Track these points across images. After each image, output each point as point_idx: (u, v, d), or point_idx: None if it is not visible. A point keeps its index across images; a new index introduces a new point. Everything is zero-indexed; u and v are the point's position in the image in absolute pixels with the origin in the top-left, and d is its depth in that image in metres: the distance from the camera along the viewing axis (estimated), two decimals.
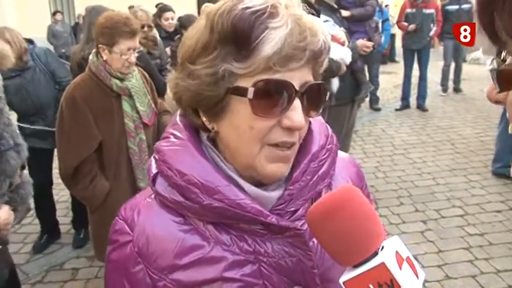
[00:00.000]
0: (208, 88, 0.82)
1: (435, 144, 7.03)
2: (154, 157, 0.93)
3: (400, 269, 0.72)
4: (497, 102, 0.77)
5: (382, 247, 0.75)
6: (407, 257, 0.75)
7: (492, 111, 7.88)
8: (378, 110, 9.31)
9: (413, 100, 9.32)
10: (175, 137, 0.91)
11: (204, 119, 0.88)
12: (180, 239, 0.88)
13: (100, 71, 2.62)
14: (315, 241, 0.88)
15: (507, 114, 0.60)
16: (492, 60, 0.58)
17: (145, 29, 4.54)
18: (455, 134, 7.46)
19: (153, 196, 0.94)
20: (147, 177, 2.85)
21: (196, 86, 0.84)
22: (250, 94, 0.79)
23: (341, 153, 1.06)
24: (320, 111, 0.89)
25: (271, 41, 0.77)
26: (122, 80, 2.67)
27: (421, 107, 9.15)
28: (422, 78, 9.06)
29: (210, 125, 0.88)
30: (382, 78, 9.92)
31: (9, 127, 1.77)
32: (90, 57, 2.69)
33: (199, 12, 5.69)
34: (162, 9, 5.59)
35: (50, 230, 4.45)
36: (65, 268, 4.07)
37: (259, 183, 0.89)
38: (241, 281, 0.86)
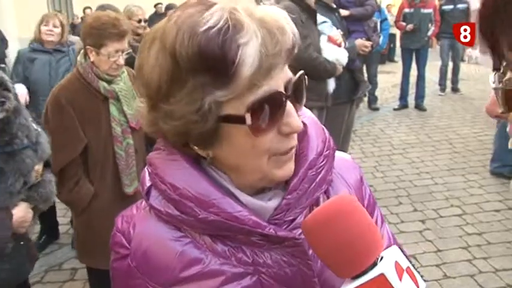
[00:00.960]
0: (197, 125, 0.76)
1: (433, 143, 7.04)
2: (147, 169, 0.90)
3: (400, 280, 0.70)
4: (497, 116, 0.76)
5: (381, 257, 0.73)
6: (408, 267, 0.73)
7: None
8: (377, 109, 9.31)
9: (411, 100, 9.32)
10: (167, 148, 0.88)
11: (196, 148, 0.83)
12: (178, 252, 0.86)
13: (87, 73, 2.53)
14: None
15: (507, 129, 0.59)
16: (494, 75, 0.55)
17: (143, 23, 4.53)
18: (454, 134, 7.47)
19: (147, 208, 0.91)
20: (134, 183, 2.86)
21: (182, 126, 0.78)
22: (248, 120, 0.74)
23: (342, 155, 1.04)
24: (303, 101, 0.85)
25: (248, 59, 0.71)
26: (109, 82, 2.58)
27: (419, 106, 9.16)
28: (421, 77, 9.08)
29: (205, 152, 0.83)
30: (380, 78, 9.91)
31: (25, 127, 1.73)
32: (78, 58, 2.61)
33: None
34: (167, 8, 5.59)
35: (49, 230, 4.44)
36: (64, 268, 4.07)
37: (255, 191, 0.87)
38: None
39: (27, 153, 1.76)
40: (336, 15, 4.84)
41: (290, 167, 0.85)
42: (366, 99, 9.20)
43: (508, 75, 0.55)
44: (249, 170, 0.82)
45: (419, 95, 9.20)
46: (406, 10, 9.03)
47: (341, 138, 4.86)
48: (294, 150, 0.85)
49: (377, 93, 9.58)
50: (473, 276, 3.71)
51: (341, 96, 4.43)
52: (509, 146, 0.61)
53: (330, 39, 4.02)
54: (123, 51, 2.54)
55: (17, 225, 1.84)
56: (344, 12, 5.21)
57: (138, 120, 2.70)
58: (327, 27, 4.18)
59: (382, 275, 0.70)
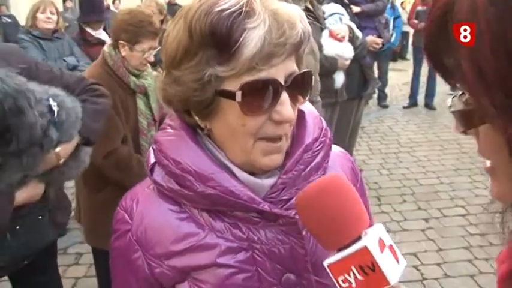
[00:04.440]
0: (196, 93, 0.84)
1: (441, 143, 7.02)
2: (152, 147, 0.96)
3: (382, 252, 0.75)
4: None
5: (366, 233, 0.77)
6: (390, 245, 0.78)
7: None
8: (386, 107, 9.30)
9: (421, 98, 9.30)
10: (172, 127, 0.94)
11: (196, 118, 0.90)
12: (176, 226, 0.91)
13: (118, 67, 2.57)
14: None
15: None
16: (452, 98, 0.58)
17: (162, 17, 4.59)
18: (462, 134, 7.41)
19: (151, 186, 0.97)
20: None
21: (184, 92, 0.85)
22: (238, 97, 0.81)
23: (335, 148, 1.08)
24: (308, 97, 0.90)
25: (251, 42, 0.78)
26: (138, 76, 2.64)
27: (429, 105, 9.13)
28: (431, 76, 9.02)
29: (203, 123, 0.90)
30: (391, 76, 9.89)
31: (27, 129, 1.64)
32: (106, 49, 2.63)
33: None
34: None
35: None
36: (69, 253, 4.14)
37: (252, 171, 0.91)
38: (234, 267, 0.89)
39: (29, 152, 1.71)
40: (348, 11, 4.84)
41: (277, 157, 0.89)
42: (375, 96, 9.18)
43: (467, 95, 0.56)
44: (237, 149, 0.88)
45: (430, 94, 9.17)
46: (419, 8, 9.00)
47: (348, 133, 4.88)
48: (283, 143, 0.89)
49: (387, 90, 9.57)
50: (473, 277, 3.72)
51: (350, 92, 4.43)
52: (484, 168, 0.62)
53: (331, 35, 4.00)
54: (154, 49, 2.61)
55: (25, 201, 1.86)
56: (356, 9, 5.20)
57: (160, 111, 2.76)
58: (334, 19, 4.16)
59: (364, 248, 0.74)
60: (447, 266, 3.88)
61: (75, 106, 1.91)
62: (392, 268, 0.76)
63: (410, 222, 4.62)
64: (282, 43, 0.80)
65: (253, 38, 0.78)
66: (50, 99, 1.80)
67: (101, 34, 4.77)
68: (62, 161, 1.89)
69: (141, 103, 2.68)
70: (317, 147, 0.95)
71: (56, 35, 4.32)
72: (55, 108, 1.80)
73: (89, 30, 4.68)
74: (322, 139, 0.96)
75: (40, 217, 1.99)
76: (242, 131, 0.85)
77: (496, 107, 0.47)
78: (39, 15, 4.23)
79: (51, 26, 4.28)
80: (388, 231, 3.96)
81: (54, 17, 4.32)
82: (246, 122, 0.84)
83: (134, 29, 2.53)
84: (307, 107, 0.99)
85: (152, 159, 0.95)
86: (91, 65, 2.81)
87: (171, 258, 0.91)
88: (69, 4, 13.65)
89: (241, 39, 0.78)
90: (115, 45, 2.60)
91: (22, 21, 6.03)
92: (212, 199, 0.87)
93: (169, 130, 0.94)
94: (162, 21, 4.51)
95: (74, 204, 3.05)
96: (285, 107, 0.83)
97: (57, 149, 1.84)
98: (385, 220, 4.63)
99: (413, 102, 9.28)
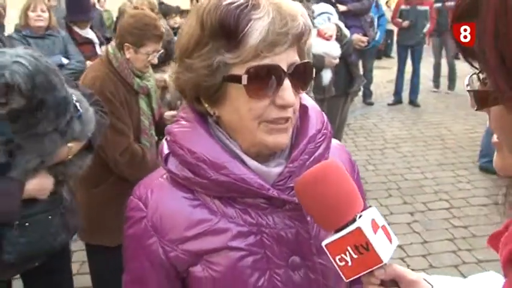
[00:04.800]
0: (206, 79, 0.93)
1: (425, 139, 7.18)
2: (165, 139, 1.03)
3: (375, 233, 0.84)
4: None
5: (360, 215, 0.86)
6: (383, 226, 0.88)
7: None
8: (371, 104, 9.43)
9: (405, 95, 9.45)
10: (185, 119, 1.02)
11: (206, 105, 0.99)
12: (190, 213, 0.98)
13: (123, 68, 2.63)
14: None
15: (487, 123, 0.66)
16: (469, 77, 0.64)
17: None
18: (445, 130, 7.61)
19: (164, 176, 1.04)
20: None
21: (195, 78, 0.94)
22: (244, 80, 0.90)
23: (334, 141, 1.16)
24: (308, 88, 1.00)
25: (256, 31, 0.87)
26: (140, 78, 2.71)
27: (413, 102, 9.28)
28: (415, 74, 9.19)
29: (212, 110, 0.99)
30: (376, 73, 10.03)
31: (51, 116, 1.76)
32: (111, 50, 2.67)
33: None
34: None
35: None
36: None
37: (261, 160, 1.00)
38: (245, 250, 0.97)
39: (52, 137, 1.81)
40: (335, 9, 4.94)
41: (281, 137, 0.97)
42: (360, 93, 9.30)
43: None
44: (244, 132, 0.96)
45: (414, 91, 9.32)
46: (403, 7, 9.14)
47: (334, 130, 4.97)
48: (286, 125, 0.97)
49: (372, 88, 9.70)
50: (457, 267, 3.86)
51: (337, 89, 4.53)
52: (492, 141, 0.67)
53: (319, 34, 4.10)
54: (158, 51, 2.70)
55: (35, 193, 1.92)
56: (342, 8, 5.30)
57: (158, 111, 2.83)
58: (322, 18, 4.26)
59: (358, 229, 0.84)
60: (432, 257, 4.02)
61: (91, 112, 2.03)
62: (384, 247, 0.86)
63: (396, 216, 4.75)
64: (285, 33, 0.89)
65: (258, 28, 0.87)
66: (74, 97, 1.91)
67: (88, 33, 4.80)
68: (69, 157, 1.97)
69: (143, 103, 2.75)
70: (320, 138, 1.03)
71: (49, 32, 4.33)
72: (79, 106, 1.92)
73: (76, 29, 4.71)
74: (325, 131, 1.05)
75: (50, 217, 2.03)
76: (248, 115, 0.93)
77: None
78: (30, 14, 4.24)
79: (42, 23, 4.29)
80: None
81: (45, 15, 4.32)
82: (252, 106, 0.92)
83: (139, 32, 2.60)
84: (309, 102, 1.08)
85: (166, 150, 1.02)
86: (94, 65, 2.85)
87: (186, 242, 0.98)
88: (53, 2, 13.55)
89: (247, 28, 0.87)
90: (120, 47, 2.65)
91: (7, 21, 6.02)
92: (225, 186, 0.94)
93: (183, 122, 1.01)
94: None
95: None
96: (287, 92, 0.92)
97: (70, 144, 1.95)
98: None
99: (397, 100, 9.42)
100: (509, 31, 0.52)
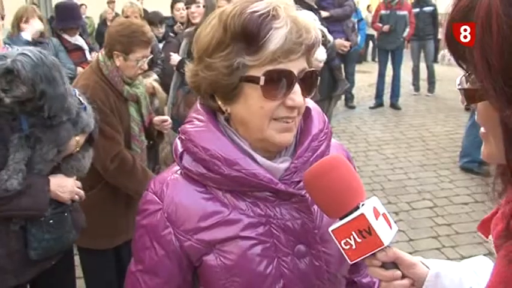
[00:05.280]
0: (225, 78, 1.01)
1: (407, 141, 7.33)
2: (179, 138, 1.11)
3: (377, 219, 0.93)
4: None
5: (363, 204, 0.94)
6: (384, 213, 0.96)
7: (462, 111, 8.22)
8: (353, 107, 9.57)
9: (386, 99, 9.62)
10: (198, 120, 1.09)
11: (219, 102, 1.07)
12: (203, 205, 1.06)
13: (113, 76, 2.67)
14: (316, 207, 1.06)
15: (476, 118, 0.73)
16: (460, 78, 0.72)
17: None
18: (427, 132, 7.77)
19: (178, 172, 1.11)
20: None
21: (214, 76, 1.02)
22: (261, 82, 0.99)
23: (333, 140, 1.25)
24: (313, 93, 1.08)
25: (275, 39, 0.97)
26: (130, 85, 2.75)
27: (394, 105, 9.43)
28: (396, 77, 9.34)
29: (225, 107, 1.07)
30: (357, 77, 10.16)
31: (64, 106, 1.89)
32: (101, 59, 2.71)
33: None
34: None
35: None
36: None
37: (269, 157, 1.08)
38: (255, 239, 1.05)
39: (66, 126, 1.92)
40: (317, 16, 5.04)
41: (288, 135, 1.06)
42: (343, 97, 9.41)
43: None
44: (254, 128, 1.04)
45: (395, 94, 9.48)
46: (383, 12, 9.31)
47: None
48: (292, 124, 1.06)
49: (354, 91, 9.84)
50: None
51: (320, 93, 4.62)
52: (480, 133, 0.74)
53: None
54: (147, 57, 2.74)
55: (56, 192, 2.00)
56: (324, 14, 5.42)
57: (148, 117, 2.88)
58: None
59: (362, 215, 0.92)
60: (418, 254, 4.04)
61: (89, 106, 2.14)
62: (385, 232, 0.94)
63: None
64: (300, 43, 0.99)
65: (278, 36, 0.96)
66: (76, 91, 2.04)
67: (77, 40, 4.83)
68: (77, 149, 2.08)
69: (133, 110, 2.79)
70: (322, 137, 1.12)
71: (39, 39, 4.37)
72: (82, 99, 2.05)
73: (65, 36, 4.74)
74: (326, 130, 1.14)
75: (66, 214, 2.11)
76: (260, 113, 1.02)
77: (496, 92, 0.62)
78: (23, 25, 4.31)
79: (35, 36, 4.34)
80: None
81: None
82: (264, 105, 1.01)
83: (127, 40, 2.64)
84: (312, 104, 1.17)
85: (180, 148, 1.09)
86: (85, 72, 2.88)
87: (200, 232, 1.05)
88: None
89: (268, 35, 0.96)
90: (109, 56, 2.69)
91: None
92: (237, 180, 1.02)
93: (197, 122, 1.09)
94: None
95: None
96: (297, 95, 1.02)
97: (77, 138, 2.05)
98: None
99: (379, 103, 9.57)
100: (493, 42, 0.61)
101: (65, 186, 2.06)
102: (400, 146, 7.07)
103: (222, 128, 1.09)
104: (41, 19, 4.48)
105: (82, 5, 13.35)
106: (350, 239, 0.93)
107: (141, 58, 2.69)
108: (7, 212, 1.89)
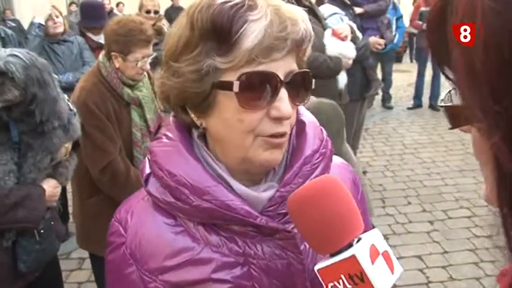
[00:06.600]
0: (194, 85, 0.83)
1: (446, 144, 6.98)
2: (147, 158, 0.94)
3: (372, 263, 0.72)
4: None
5: (358, 239, 0.74)
6: (385, 251, 0.75)
7: None
8: (390, 108, 9.27)
9: (425, 99, 9.26)
10: (167, 137, 0.92)
11: (192, 115, 0.88)
12: (171, 240, 0.89)
13: (112, 78, 2.51)
14: (307, 245, 0.87)
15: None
16: (446, 93, 0.56)
17: (152, 14, 4.52)
18: (467, 135, 7.34)
19: (146, 198, 0.94)
20: None
21: (181, 84, 0.84)
22: (235, 88, 0.80)
23: (336, 159, 1.05)
24: (307, 100, 0.88)
25: (252, 34, 0.78)
26: (132, 87, 2.59)
27: (433, 106, 9.06)
28: (436, 77, 8.98)
29: (199, 121, 0.88)
30: (395, 77, 9.85)
31: (56, 111, 1.84)
32: (101, 59, 2.57)
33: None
34: None
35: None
36: (72, 257, 4.13)
37: (251, 183, 0.89)
38: (230, 282, 0.87)
39: (57, 133, 1.86)
40: (350, 12, 4.82)
41: (276, 154, 0.86)
42: (379, 97, 9.14)
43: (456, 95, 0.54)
44: (233, 146, 0.85)
45: (434, 95, 9.10)
46: (423, 9, 8.96)
47: (351, 135, 4.84)
48: (283, 140, 0.86)
49: (391, 91, 9.54)
50: (479, 279, 3.69)
51: (353, 93, 4.40)
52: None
53: (334, 34, 3.96)
54: (148, 56, 2.55)
55: (49, 200, 1.96)
56: (358, 10, 5.18)
57: (157, 121, 2.73)
58: (335, 19, 4.14)
59: (353, 256, 0.72)
60: (452, 268, 3.85)
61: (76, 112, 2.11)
62: (383, 279, 0.73)
63: (415, 225, 4.58)
64: (283, 37, 0.79)
65: (254, 30, 0.78)
66: (66, 96, 2.01)
67: (101, 38, 4.79)
68: (67, 156, 2.04)
69: (135, 115, 2.62)
70: (317, 159, 0.92)
71: (64, 37, 4.41)
72: (71, 105, 2.00)
73: (89, 35, 4.71)
74: (323, 151, 0.94)
75: (52, 223, 2.05)
76: (239, 128, 0.82)
77: (483, 111, 0.45)
78: (49, 23, 4.36)
79: (61, 29, 4.40)
80: (393, 233, 3.92)
81: (60, 19, 4.42)
82: (243, 118, 0.81)
83: (125, 39, 2.46)
84: (308, 117, 0.97)
85: (147, 170, 0.93)
86: (86, 74, 2.75)
87: (165, 273, 0.88)
88: (73, 8, 13.73)
89: (241, 30, 0.77)
90: (108, 56, 2.54)
91: (26, 24, 6.07)
92: (208, 213, 0.84)
93: (165, 140, 0.91)
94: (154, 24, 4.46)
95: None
96: (284, 103, 0.81)
97: (66, 144, 1.99)
98: (390, 222, 4.60)
99: (417, 104, 9.24)
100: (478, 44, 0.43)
101: (56, 195, 2.00)
102: (437, 150, 6.74)
103: (196, 148, 0.91)
104: (61, 14, 4.51)
105: (119, 3, 13.58)
106: (339, 283, 0.73)
107: (141, 58, 2.49)
108: (1, 225, 1.82)
